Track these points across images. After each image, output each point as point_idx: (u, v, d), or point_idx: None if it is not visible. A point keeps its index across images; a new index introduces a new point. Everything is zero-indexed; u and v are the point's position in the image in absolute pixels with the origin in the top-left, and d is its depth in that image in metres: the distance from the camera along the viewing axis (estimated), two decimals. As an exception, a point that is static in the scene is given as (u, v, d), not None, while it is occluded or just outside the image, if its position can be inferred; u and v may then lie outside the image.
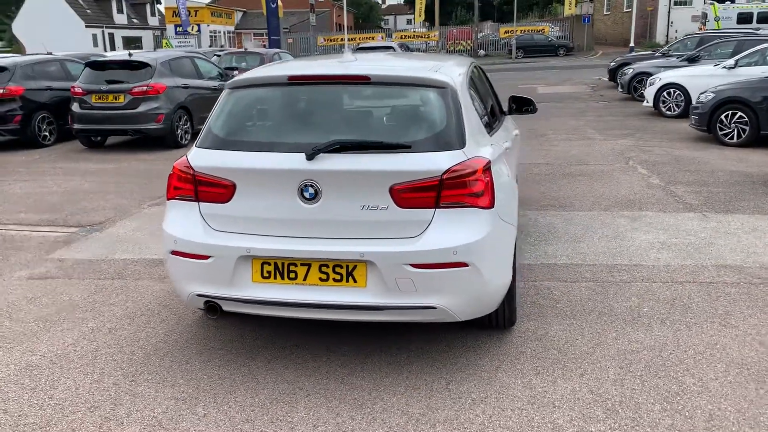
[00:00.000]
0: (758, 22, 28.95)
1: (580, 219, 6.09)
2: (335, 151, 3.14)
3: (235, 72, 12.80)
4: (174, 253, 3.37)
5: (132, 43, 50.93)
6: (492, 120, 4.28)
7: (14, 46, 46.11)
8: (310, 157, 3.11)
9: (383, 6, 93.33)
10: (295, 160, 3.13)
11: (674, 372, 3.30)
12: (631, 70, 15.92)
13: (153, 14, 57.39)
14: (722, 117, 9.80)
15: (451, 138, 3.23)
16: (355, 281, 3.14)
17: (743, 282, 4.45)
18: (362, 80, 3.40)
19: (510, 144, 4.25)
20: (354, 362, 3.49)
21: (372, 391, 3.21)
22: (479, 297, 3.23)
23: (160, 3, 54.35)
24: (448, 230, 3.09)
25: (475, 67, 4.53)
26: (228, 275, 3.22)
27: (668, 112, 12.92)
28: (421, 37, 44.13)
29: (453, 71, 3.67)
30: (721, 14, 31.54)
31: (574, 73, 26.17)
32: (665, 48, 18.68)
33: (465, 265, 3.08)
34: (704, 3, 35.14)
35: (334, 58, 4.10)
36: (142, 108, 10.58)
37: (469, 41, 43.54)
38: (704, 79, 11.76)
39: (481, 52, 43.61)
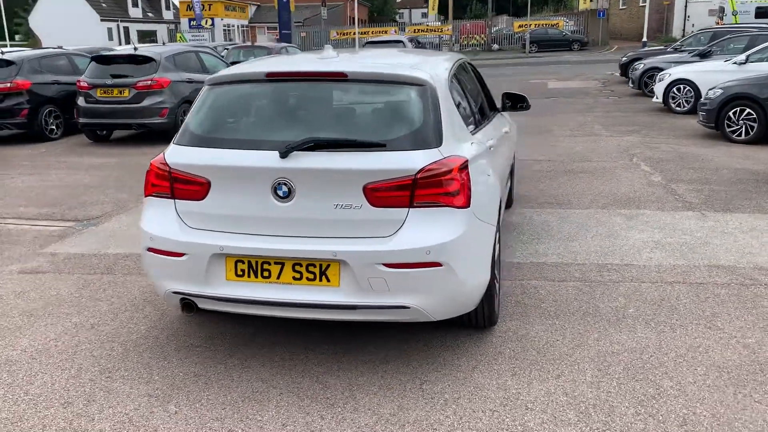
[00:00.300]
0: (777, 16, 28.50)
1: (576, 217, 6.02)
2: (309, 149, 3.11)
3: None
4: (150, 250, 3.37)
5: (147, 36, 51.23)
6: (478, 117, 4.23)
7: (31, 39, 46.60)
8: (283, 155, 3.09)
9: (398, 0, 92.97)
10: (269, 158, 3.12)
11: (652, 375, 3.25)
12: (642, 66, 15.72)
13: (168, 8, 57.63)
14: (730, 114, 9.66)
15: (428, 136, 3.19)
16: (328, 280, 3.12)
17: (734, 283, 4.38)
18: (339, 77, 3.37)
19: (495, 142, 4.20)
20: (331, 361, 3.47)
21: (345, 390, 3.20)
22: (454, 297, 3.20)
23: (175, -4, 54.57)
24: (422, 230, 3.06)
25: (462, 63, 4.48)
26: (202, 273, 3.22)
27: (678, 108, 12.76)
28: (434, 31, 43.95)
29: (435, 68, 3.63)
30: (739, 8, 31.06)
31: (587, 68, 25.93)
32: (678, 43, 18.45)
33: (438, 264, 3.05)
34: (721, -3, 34.63)
35: (315, 54, 4.08)
36: (146, 102, 10.65)
37: (482, 35, 43.33)
38: (714, 75, 11.61)
39: (495, 46, 43.37)
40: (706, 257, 4.88)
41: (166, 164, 3.35)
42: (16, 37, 55.54)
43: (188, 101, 11.15)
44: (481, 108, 4.55)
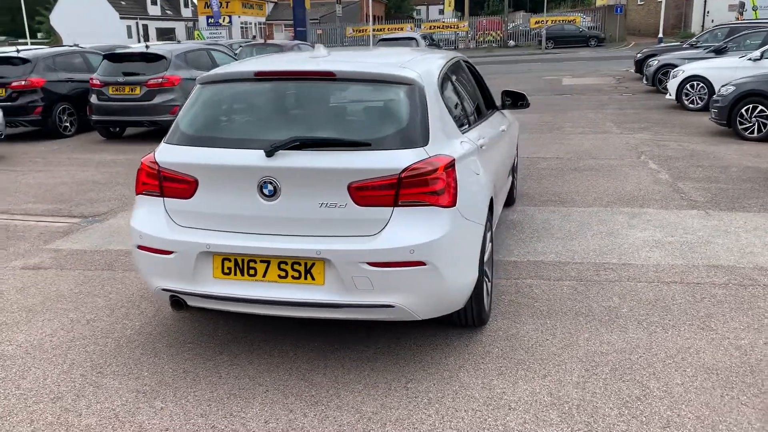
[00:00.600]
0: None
1: (578, 215, 5.98)
2: (295, 148, 3.13)
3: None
4: (140, 247, 3.41)
5: (165, 34, 51.64)
6: (472, 116, 4.22)
7: (52, 38, 47.15)
8: (269, 154, 3.11)
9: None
10: (255, 157, 3.14)
11: (640, 376, 3.22)
12: (657, 62, 15.53)
13: (186, 5, 58.04)
14: (742, 111, 9.53)
15: (414, 135, 3.19)
16: (313, 279, 3.13)
17: (732, 283, 4.32)
18: (327, 76, 3.38)
19: (490, 140, 4.18)
20: (318, 359, 3.49)
21: (330, 388, 3.21)
22: (439, 296, 3.20)
23: (193, -6, 54.92)
24: (406, 229, 3.06)
25: (456, 62, 4.46)
26: (190, 270, 3.25)
27: (691, 105, 12.60)
28: (450, 27, 43.79)
29: (425, 67, 3.62)
30: (760, 3, 30.64)
31: (603, 64, 25.70)
32: (694, 39, 18.20)
33: (422, 264, 3.05)
34: (742, -9, 34.11)
35: (307, 53, 4.09)
36: (157, 100, 10.75)
37: (498, 32, 43.09)
38: (728, 71, 11.45)
39: (511, 42, 43.11)
40: (705, 257, 4.82)
41: (155, 163, 3.38)
42: (38, 35, 56.28)
43: (198, 99, 11.24)
44: (477, 107, 4.53)
